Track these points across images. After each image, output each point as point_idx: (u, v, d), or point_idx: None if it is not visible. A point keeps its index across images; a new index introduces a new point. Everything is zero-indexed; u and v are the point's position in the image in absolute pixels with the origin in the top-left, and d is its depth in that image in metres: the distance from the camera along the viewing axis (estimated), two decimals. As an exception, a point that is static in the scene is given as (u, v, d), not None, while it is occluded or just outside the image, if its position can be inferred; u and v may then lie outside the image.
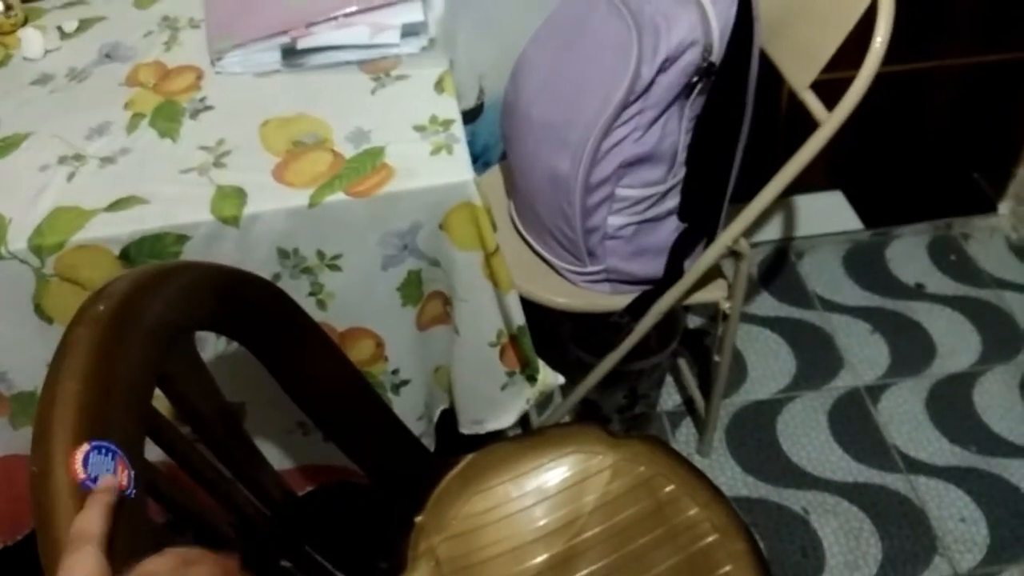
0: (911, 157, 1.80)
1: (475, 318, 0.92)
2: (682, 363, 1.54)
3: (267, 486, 0.78)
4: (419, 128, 0.87)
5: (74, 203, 0.81)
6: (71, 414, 0.53)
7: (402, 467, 0.94)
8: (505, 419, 1.02)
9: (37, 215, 0.80)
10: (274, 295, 0.75)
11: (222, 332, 0.70)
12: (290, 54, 0.95)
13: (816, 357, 1.60)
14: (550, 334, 1.32)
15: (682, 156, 1.07)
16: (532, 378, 1.00)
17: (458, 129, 0.87)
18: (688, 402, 1.53)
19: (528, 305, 1.09)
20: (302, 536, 0.89)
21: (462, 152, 0.85)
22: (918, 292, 1.70)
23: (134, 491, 0.53)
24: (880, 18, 0.94)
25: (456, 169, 0.83)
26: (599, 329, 1.28)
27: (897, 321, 1.65)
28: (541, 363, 1.00)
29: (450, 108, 0.90)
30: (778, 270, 1.75)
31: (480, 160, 1.48)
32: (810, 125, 0.99)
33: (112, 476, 0.51)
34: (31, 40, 1.01)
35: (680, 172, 1.09)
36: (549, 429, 1.05)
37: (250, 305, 0.72)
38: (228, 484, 0.72)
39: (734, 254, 1.14)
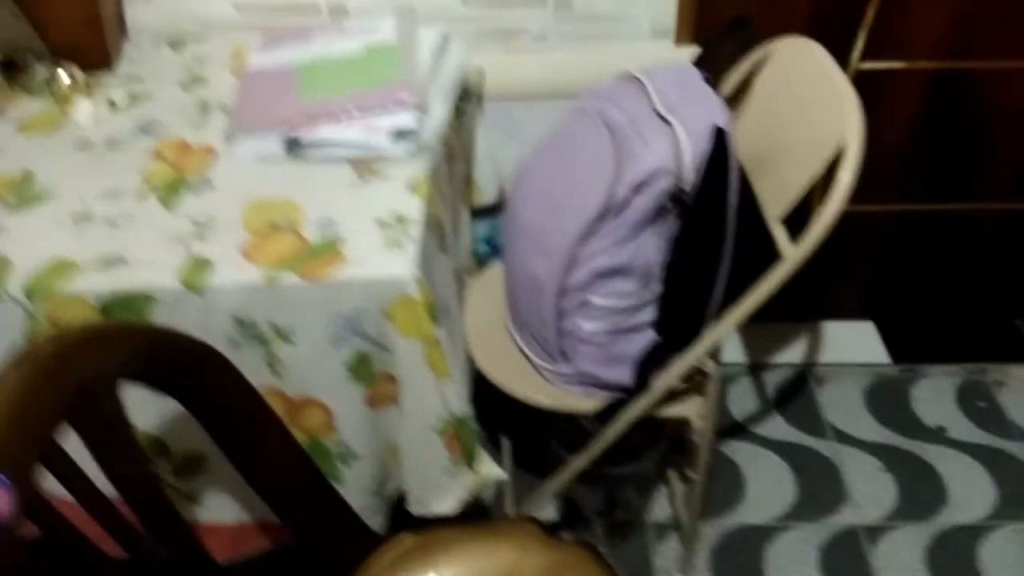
0: (950, 296, 1.76)
1: (418, 402, 0.97)
2: (673, 475, 1.53)
3: (178, 544, 0.84)
4: (380, 223, 0.95)
5: (71, 257, 0.93)
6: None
7: (334, 538, 0.99)
8: (447, 504, 1.06)
9: (38, 263, 0.92)
10: (214, 359, 0.82)
11: (152, 387, 0.78)
12: (292, 146, 1.06)
13: (819, 488, 1.56)
14: (532, 427, 1.36)
15: (658, 272, 1.11)
16: (472, 467, 1.04)
17: (415, 229, 0.94)
18: (676, 516, 1.52)
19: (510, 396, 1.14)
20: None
21: (412, 249, 0.92)
22: (938, 435, 1.64)
23: (13, 520, 0.60)
24: (847, 158, 0.97)
25: (402, 264, 0.90)
26: (576, 428, 1.31)
27: (911, 463, 1.60)
28: (483, 455, 1.04)
29: (415, 209, 0.97)
30: (795, 394, 1.73)
31: (500, 252, 1.55)
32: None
33: None
34: (84, 109, 1.16)
35: (656, 287, 1.12)
36: (492, 521, 1.08)
37: (187, 368, 0.80)
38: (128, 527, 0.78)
39: (702, 374, 1.16)
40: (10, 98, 1.19)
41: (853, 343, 1.77)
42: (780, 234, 1.04)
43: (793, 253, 1.00)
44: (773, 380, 1.76)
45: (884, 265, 1.71)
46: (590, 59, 1.37)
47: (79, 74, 1.18)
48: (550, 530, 1.03)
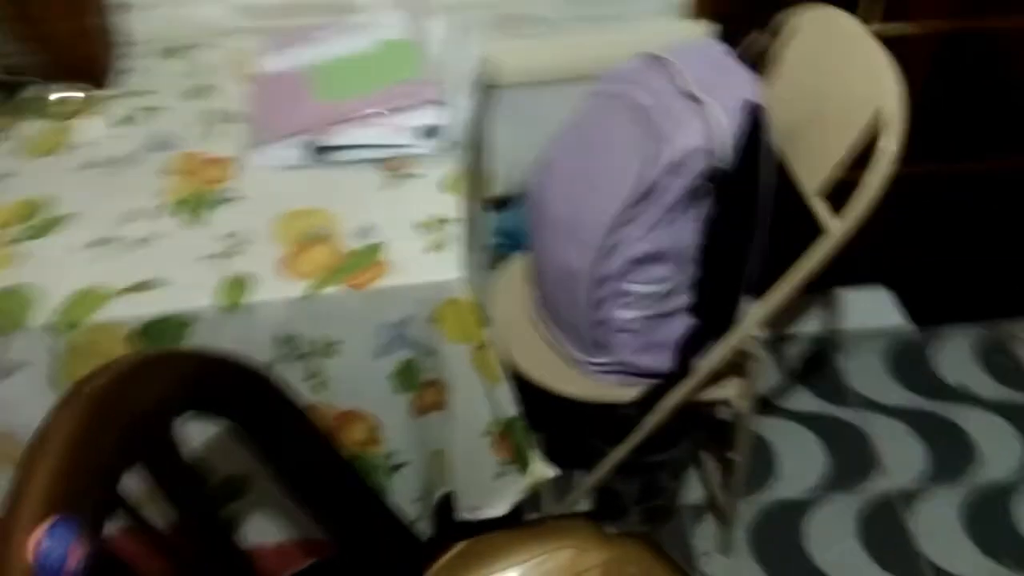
0: (961, 255, 1.76)
1: (467, 407, 0.95)
2: (706, 456, 1.52)
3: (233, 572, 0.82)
4: (418, 226, 0.92)
5: (97, 284, 0.89)
6: (43, 488, 0.58)
7: (387, 551, 0.97)
8: (499, 507, 1.04)
9: (62, 292, 0.88)
10: (260, 380, 0.79)
11: (205, 415, 0.75)
12: (315, 151, 1.02)
13: (850, 457, 1.56)
14: (568, 421, 1.34)
15: (692, 255, 1.09)
16: (525, 469, 1.01)
17: (455, 228, 0.91)
18: (711, 497, 1.51)
19: (545, 390, 1.11)
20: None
21: (455, 250, 0.89)
22: (962, 394, 1.64)
23: (81, 572, 0.57)
24: (888, 124, 0.94)
25: (447, 267, 0.87)
26: (614, 418, 1.29)
27: (938, 424, 1.60)
28: (534, 455, 1.01)
29: (451, 208, 0.94)
30: (817, 365, 1.73)
31: (517, 243, 1.52)
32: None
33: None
34: (92, 126, 1.11)
35: (690, 270, 1.10)
36: (545, 521, 1.06)
37: (236, 391, 0.77)
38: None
39: (745, 355, 1.14)
40: (9, 120, 1.14)
41: (870, 309, 1.77)
42: (821, 208, 1.02)
43: (838, 227, 0.98)
44: (794, 352, 1.75)
45: (895, 229, 1.70)
46: (603, 40, 1.34)
47: (81, 92, 1.13)
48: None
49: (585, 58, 1.34)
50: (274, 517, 1.07)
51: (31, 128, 1.13)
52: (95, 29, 1.16)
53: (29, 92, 1.17)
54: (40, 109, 1.14)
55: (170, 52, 1.25)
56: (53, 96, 1.13)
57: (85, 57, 1.15)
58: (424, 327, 0.89)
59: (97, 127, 1.11)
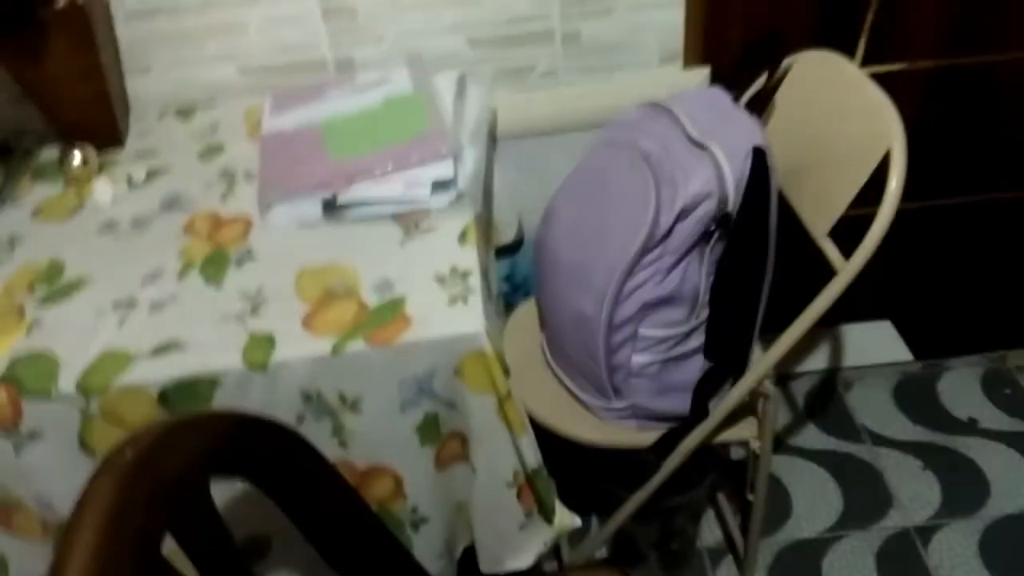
0: (964, 288, 1.78)
1: (491, 459, 0.95)
2: (722, 498, 1.52)
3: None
4: (439, 279, 0.93)
5: (121, 347, 0.89)
6: (82, 566, 0.58)
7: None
8: (523, 559, 1.03)
9: (87, 358, 0.88)
10: (290, 439, 0.79)
11: (238, 477, 0.75)
12: (331, 207, 1.03)
13: (864, 494, 1.56)
14: (583, 467, 1.34)
15: (705, 297, 1.10)
16: (550, 519, 1.01)
17: (474, 280, 0.92)
18: (729, 539, 1.50)
19: (559, 438, 1.11)
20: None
21: (476, 303, 0.89)
22: (971, 427, 1.65)
23: None
24: (894, 164, 0.97)
25: (469, 320, 0.88)
26: (631, 463, 1.29)
27: (949, 458, 1.60)
28: (559, 504, 1.01)
29: (470, 260, 0.95)
30: (825, 401, 1.73)
31: (521, 290, 1.54)
32: (846, 249, 1.00)
33: None
34: (102, 189, 1.12)
35: (704, 312, 1.11)
36: (571, 571, 1.06)
37: (266, 451, 0.76)
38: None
39: (760, 395, 1.14)
40: (27, 183, 1.15)
41: (874, 344, 1.78)
42: (830, 249, 1.04)
43: (847, 266, 1.00)
44: (801, 389, 1.76)
45: (897, 263, 1.72)
46: (601, 90, 1.37)
47: (92, 153, 1.14)
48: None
49: (585, 108, 1.37)
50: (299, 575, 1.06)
51: (49, 191, 1.14)
52: (110, 92, 1.17)
53: (45, 155, 1.19)
54: (57, 172, 1.15)
55: (183, 113, 1.27)
56: (69, 159, 1.14)
57: (101, 120, 1.17)
58: (448, 380, 0.89)
59: (114, 189, 1.12)
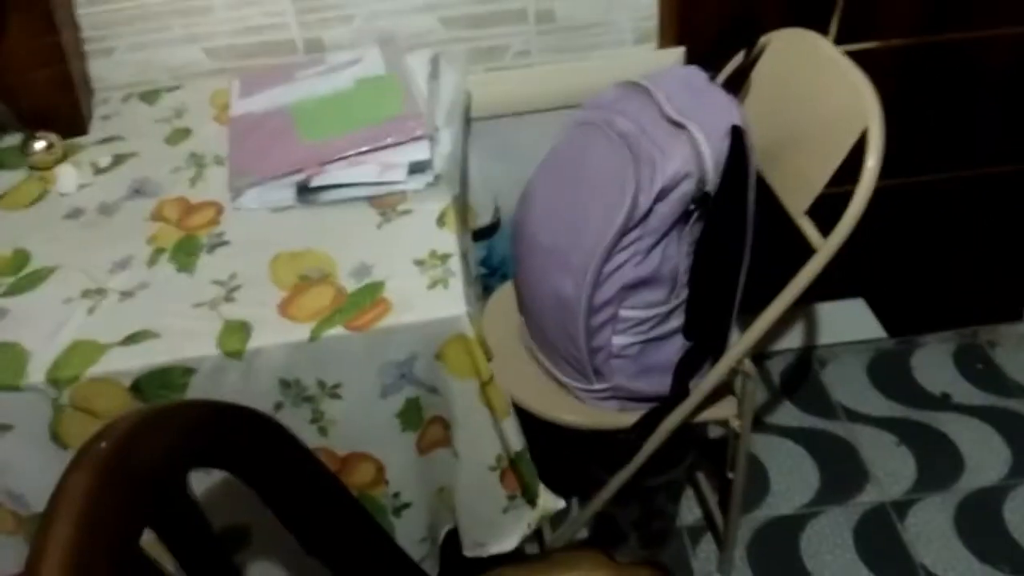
0: (934, 264, 1.79)
1: (474, 443, 0.94)
2: (701, 476, 1.52)
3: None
4: (418, 262, 0.91)
5: (91, 337, 0.86)
6: (59, 559, 0.56)
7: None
8: (507, 543, 1.02)
9: (56, 348, 0.85)
10: (268, 427, 0.78)
11: (216, 467, 0.73)
12: (304, 191, 1.01)
13: (841, 470, 1.57)
14: (563, 449, 1.33)
15: (684, 278, 1.09)
16: (533, 502, 1.01)
17: (455, 263, 0.91)
18: (708, 517, 1.51)
19: (540, 420, 1.10)
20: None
21: (457, 286, 0.88)
22: (944, 402, 1.67)
23: None
24: (871, 143, 0.96)
25: (450, 303, 0.86)
26: (612, 445, 1.29)
27: (923, 433, 1.62)
28: (542, 487, 1.01)
29: (449, 243, 0.94)
30: (801, 379, 1.74)
31: (498, 272, 1.52)
32: (823, 228, 1.00)
33: None
34: (66, 175, 1.09)
35: (683, 292, 1.11)
36: (553, 553, 1.06)
37: (244, 440, 0.75)
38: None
39: (740, 373, 1.14)
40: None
41: (848, 321, 1.79)
42: (808, 227, 1.04)
43: (826, 244, 1.00)
44: (776, 367, 1.77)
45: (869, 241, 1.73)
46: (575, 69, 1.36)
47: (56, 139, 1.11)
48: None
49: (559, 88, 1.36)
50: (276, 569, 1.04)
51: (12, 179, 1.11)
52: (72, 76, 1.14)
53: (7, 142, 1.15)
54: (19, 159, 1.12)
55: (148, 97, 1.24)
56: (31, 145, 1.10)
57: (63, 105, 1.14)
58: (429, 365, 0.88)
59: (79, 175, 1.09)
